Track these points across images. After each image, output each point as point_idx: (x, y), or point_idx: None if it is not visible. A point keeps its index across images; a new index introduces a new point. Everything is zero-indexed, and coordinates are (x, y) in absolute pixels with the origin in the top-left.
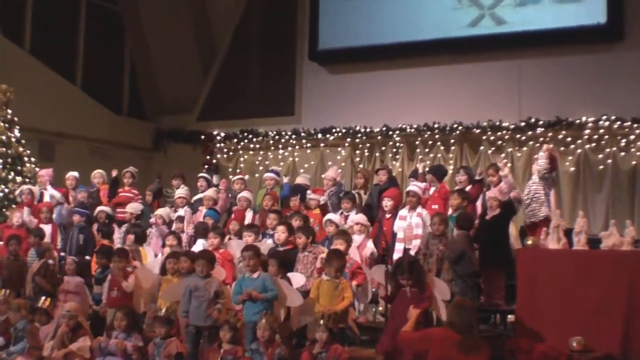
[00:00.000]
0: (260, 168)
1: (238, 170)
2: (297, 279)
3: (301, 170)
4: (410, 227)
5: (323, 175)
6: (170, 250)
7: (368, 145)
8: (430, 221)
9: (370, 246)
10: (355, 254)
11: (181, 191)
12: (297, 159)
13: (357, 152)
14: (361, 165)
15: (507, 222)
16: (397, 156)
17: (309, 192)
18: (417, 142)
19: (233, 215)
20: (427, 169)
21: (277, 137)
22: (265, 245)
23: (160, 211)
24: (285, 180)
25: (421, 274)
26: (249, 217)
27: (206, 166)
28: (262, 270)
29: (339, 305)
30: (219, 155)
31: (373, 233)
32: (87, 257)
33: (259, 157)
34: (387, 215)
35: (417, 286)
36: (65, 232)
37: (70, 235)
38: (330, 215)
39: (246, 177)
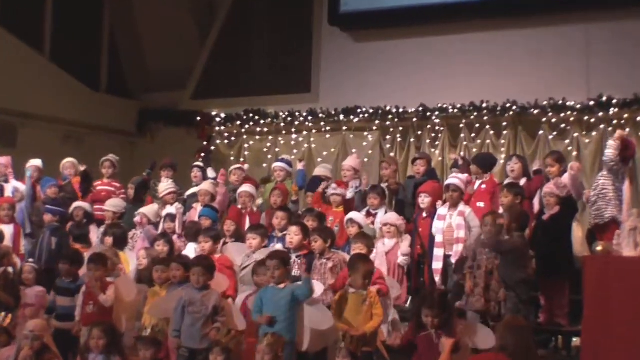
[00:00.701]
0: (269, 157)
1: (242, 160)
2: (318, 288)
3: (319, 160)
4: (450, 228)
5: (343, 163)
6: (151, 258)
7: (401, 129)
8: (473, 222)
9: (405, 250)
10: (383, 262)
11: (167, 185)
12: (314, 146)
13: (388, 137)
14: (392, 154)
15: (569, 222)
16: (437, 142)
17: (333, 185)
18: (461, 126)
19: (228, 214)
20: (466, 158)
21: (289, 119)
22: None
23: (146, 209)
24: (300, 166)
25: (452, 314)
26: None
27: (202, 154)
28: (289, 281)
29: (368, 325)
30: (218, 141)
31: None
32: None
33: (267, 144)
34: (424, 215)
35: (445, 328)
36: (33, 233)
37: (41, 238)
38: (353, 215)
39: (246, 166)
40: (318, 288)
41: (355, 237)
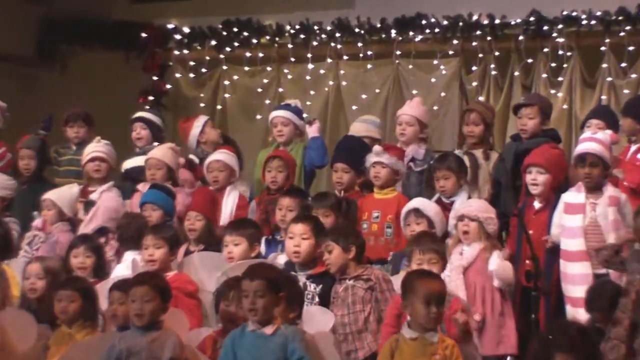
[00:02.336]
0: (267, 102)
1: (219, 107)
2: (319, 318)
3: (354, 108)
4: (595, 227)
5: (398, 112)
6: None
7: (497, 54)
8: (631, 215)
9: (498, 266)
10: (460, 284)
11: (94, 148)
12: (344, 84)
13: (474, 68)
14: (481, 98)
15: None
16: (560, 78)
17: (376, 148)
18: (602, 48)
19: (193, 200)
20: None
21: (301, 36)
22: (274, 263)
23: (55, 194)
24: (313, 130)
25: None
26: (229, 204)
27: (151, 97)
28: (280, 322)
29: None
30: (178, 75)
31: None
32: None
33: (263, 79)
34: (536, 205)
35: None
36: None
37: None
38: (419, 203)
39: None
40: (323, 318)
41: (413, 241)
